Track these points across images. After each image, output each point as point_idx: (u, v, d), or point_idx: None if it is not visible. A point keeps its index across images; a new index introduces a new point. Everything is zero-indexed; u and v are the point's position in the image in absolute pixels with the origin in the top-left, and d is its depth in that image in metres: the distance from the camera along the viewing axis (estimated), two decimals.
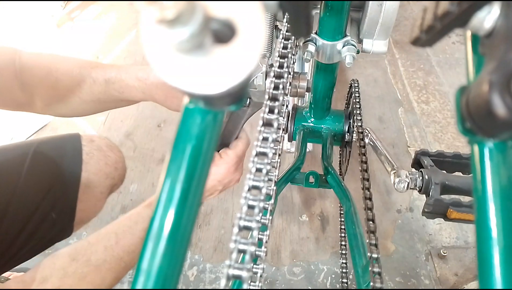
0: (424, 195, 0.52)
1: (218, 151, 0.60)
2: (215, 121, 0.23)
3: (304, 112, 0.81)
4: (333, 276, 1.03)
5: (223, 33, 0.16)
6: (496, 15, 0.20)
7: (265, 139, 0.33)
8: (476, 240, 0.21)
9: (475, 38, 0.23)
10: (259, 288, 0.40)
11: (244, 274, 0.25)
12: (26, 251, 0.61)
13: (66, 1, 2.02)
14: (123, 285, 0.96)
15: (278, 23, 0.64)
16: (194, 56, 0.17)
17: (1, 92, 0.58)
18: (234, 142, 0.60)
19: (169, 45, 0.16)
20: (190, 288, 1.02)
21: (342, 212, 1.00)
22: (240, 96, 0.21)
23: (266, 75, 0.54)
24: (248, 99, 0.59)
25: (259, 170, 0.32)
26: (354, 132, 0.75)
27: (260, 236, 0.40)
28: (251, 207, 0.29)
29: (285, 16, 0.50)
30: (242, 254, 0.27)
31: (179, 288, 1.01)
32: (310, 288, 1.02)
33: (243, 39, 0.17)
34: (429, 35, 0.23)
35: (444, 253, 1.04)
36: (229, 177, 0.60)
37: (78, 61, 0.63)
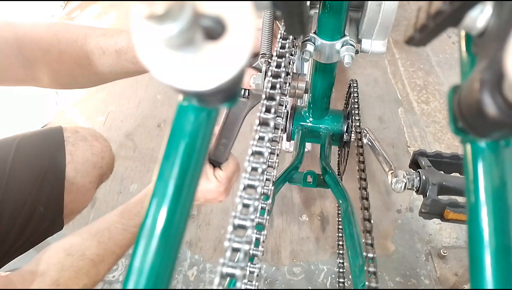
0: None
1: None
2: (209, 118, 0.23)
3: (302, 112, 0.81)
4: (333, 276, 1.03)
5: (214, 30, 0.16)
6: (488, 14, 0.20)
7: (261, 138, 0.33)
8: (468, 240, 0.21)
9: (468, 38, 0.23)
10: (256, 287, 0.40)
11: (238, 272, 0.25)
12: (17, 247, 0.62)
13: (66, 1, 2.03)
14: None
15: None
16: (185, 52, 0.17)
17: (2, 69, 0.54)
18: (225, 164, 0.60)
19: (159, 41, 0.16)
20: (190, 288, 1.02)
21: (339, 212, 1.00)
22: (233, 93, 0.21)
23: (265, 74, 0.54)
24: (248, 91, 0.58)
25: (254, 169, 0.32)
26: (353, 132, 0.75)
27: (257, 236, 0.40)
28: (246, 206, 0.29)
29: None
30: (238, 253, 0.27)
31: (179, 288, 1.01)
32: (310, 288, 1.02)
33: (233, 35, 0.17)
34: (423, 34, 0.23)
35: (444, 253, 1.04)
36: (215, 195, 0.60)
37: (82, 29, 0.56)
